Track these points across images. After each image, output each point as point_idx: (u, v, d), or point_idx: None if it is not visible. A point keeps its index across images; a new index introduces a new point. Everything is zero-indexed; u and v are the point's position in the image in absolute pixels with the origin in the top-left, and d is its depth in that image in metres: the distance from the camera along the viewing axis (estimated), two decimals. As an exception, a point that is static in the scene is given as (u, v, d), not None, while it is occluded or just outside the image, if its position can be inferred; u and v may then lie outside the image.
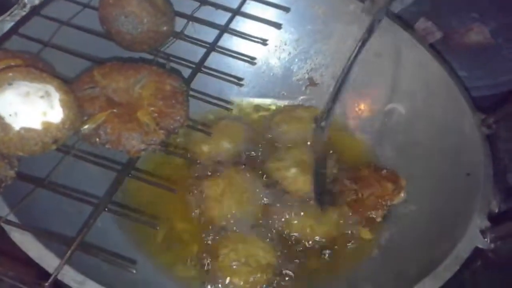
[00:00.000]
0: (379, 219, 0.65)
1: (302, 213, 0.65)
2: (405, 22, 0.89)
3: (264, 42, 0.64)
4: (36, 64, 0.50)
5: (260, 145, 0.74)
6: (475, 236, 0.50)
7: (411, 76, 0.71)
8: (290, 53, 0.81)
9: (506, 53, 0.91)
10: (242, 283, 0.58)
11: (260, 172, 0.70)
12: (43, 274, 0.40)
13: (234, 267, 0.59)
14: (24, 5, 0.72)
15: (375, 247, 0.64)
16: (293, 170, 0.69)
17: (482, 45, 0.94)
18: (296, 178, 0.68)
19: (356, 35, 0.75)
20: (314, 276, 0.62)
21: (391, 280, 0.53)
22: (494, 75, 0.88)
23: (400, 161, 0.71)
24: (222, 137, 0.72)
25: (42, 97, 0.42)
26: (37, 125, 0.41)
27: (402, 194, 0.66)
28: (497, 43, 0.92)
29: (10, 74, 0.43)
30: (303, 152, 0.71)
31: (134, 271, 0.40)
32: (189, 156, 0.69)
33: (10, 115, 0.41)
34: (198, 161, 0.70)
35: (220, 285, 0.59)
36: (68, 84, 0.46)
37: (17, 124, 0.41)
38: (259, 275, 0.59)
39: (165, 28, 0.56)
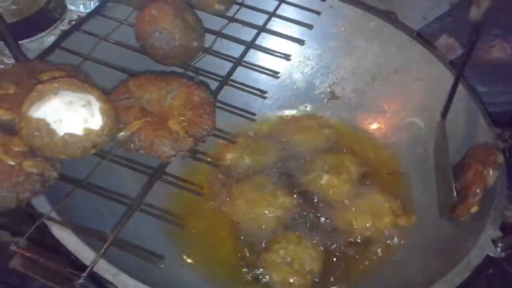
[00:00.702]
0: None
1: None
2: (427, 38, 0.93)
3: (287, 57, 0.67)
4: (77, 76, 0.55)
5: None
6: (486, 244, 0.52)
7: (430, 91, 0.74)
8: (312, 67, 0.84)
9: (528, 70, 0.92)
10: (278, 280, 0.62)
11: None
12: (80, 267, 0.45)
13: (279, 262, 0.63)
14: (63, 20, 0.78)
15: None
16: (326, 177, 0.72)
17: (504, 62, 0.95)
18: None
19: (377, 51, 0.79)
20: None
21: (401, 285, 0.55)
22: (515, 90, 0.89)
23: (418, 174, 0.73)
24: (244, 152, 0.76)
25: (84, 105, 0.46)
26: (79, 131, 0.45)
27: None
28: (518, 60, 0.94)
29: (56, 84, 0.47)
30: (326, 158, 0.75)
31: (163, 266, 0.43)
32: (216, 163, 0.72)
33: (55, 121, 0.45)
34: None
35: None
36: (106, 94, 0.50)
37: (61, 130, 0.45)
38: (297, 278, 0.62)
39: (195, 44, 0.60)
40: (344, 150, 0.78)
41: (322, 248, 0.66)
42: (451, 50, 0.99)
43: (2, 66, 0.84)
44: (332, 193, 0.71)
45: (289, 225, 0.68)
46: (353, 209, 0.69)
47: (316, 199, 0.72)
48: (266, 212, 0.68)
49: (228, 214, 0.69)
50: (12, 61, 0.79)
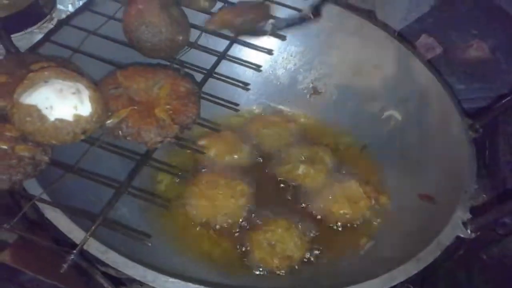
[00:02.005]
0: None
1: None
2: (407, 37, 0.96)
3: (269, 51, 0.69)
4: (68, 67, 0.57)
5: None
6: (456, 226, 0.55)
7: (407, 85, 0.77)
8: (295, 63, 0.87)
9: (505, 67, 0.95)
10: (258, 258, 0.65)
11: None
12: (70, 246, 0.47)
13: (263, 242, 0.66)
14: (52, 19, 0.80)
15: (364, 236, 0.69)
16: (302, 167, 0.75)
17: (481, 60, 0.99)
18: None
19: (357, 48, 0.82)
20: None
21: (376, 266, 0.57)
22: (491, 87, 0.92)
23: (394, 164, 0.76)
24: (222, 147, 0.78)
25: (73, 93, 0.48)
26: (69, 117, 0.47)
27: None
28: (495, 58, 0.97)
29: (46, 73, 0.49)
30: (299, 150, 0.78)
31: (150, 244, 0.45)
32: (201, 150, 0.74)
33: (46, 108, 0.47)
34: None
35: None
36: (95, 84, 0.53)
37: (52, 116, 0.47)
38: (276, 261, 0.65)
39: (180, 37, 0.63)
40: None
41: (307, 239, 0.68)
42: (430, 49, 1.02)
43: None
44: (309, 182, 0.74)
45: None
46: (330, 196, 0.72)
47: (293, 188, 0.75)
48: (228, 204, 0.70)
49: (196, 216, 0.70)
50: (2, 52, 0.81)
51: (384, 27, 0.82)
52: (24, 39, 0.75)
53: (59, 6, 0.83)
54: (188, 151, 0.72)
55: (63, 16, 0.83)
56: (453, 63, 0.99)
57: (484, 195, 0.75)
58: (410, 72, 0.77)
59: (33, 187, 0.50)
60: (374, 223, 0.70)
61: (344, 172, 0.77)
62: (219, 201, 0.68)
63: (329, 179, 0.75)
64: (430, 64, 0.76)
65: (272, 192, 0.75)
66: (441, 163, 0.68)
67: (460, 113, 0.69)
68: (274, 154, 0.80)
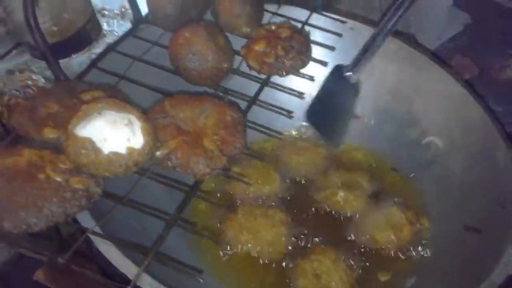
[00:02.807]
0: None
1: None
2: (442, 58, 0.95)
3: (311, 78, 0.69)
4: (115, 95, 0.58)
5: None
6: (509, 264, 0.54)
7: (448, 111, 0.75)
8: (334, 87, 0.87)
9: (543, 89, 0.94)
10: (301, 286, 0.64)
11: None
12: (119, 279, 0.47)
13: (309, 271, 0.65)
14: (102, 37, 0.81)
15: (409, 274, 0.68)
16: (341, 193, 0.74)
17: (518, 81, 0.98)
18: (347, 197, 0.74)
19: (396, 71, 0.82)
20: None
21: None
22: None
23: (437, 192, 0.75)
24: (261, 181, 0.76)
25: (126, 125, 0.49)
26: (122, 149, 0.48)
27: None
28: (533, 79, 0.96)
29: (99, 104, 0.50)
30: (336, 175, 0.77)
31: (201, 280, 0.45)
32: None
33: (100, 140, 0.47)
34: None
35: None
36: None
37: (106, 148, 0.47)
38: None
39: (225, 65, 0.63)
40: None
41: (355, 274, 0.67)
42: (466, 70, 1.01)
43: (30, 82, 0.87)
44: (349, 208, 0.74)
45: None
46: (373, 224, 0.71)
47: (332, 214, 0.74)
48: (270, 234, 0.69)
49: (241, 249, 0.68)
50: (39, 77, 0.83)
51: (425, 51, 0.81)
52: (71, 65, 0.77)
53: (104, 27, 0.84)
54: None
55: (111, 40, 0.85)
56: (490, 84, 0.98)
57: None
58: (452, 97, 0.75)
59: (85, 219, 0.50)
60: (417, 256, 0.69)
61: (383, 197, 0.76)
62: (260, 233, 0.67)
63: (369, 205, 0.74)
64: (472, 89, 0.75)
65: (311, 219, 0.74)
66: (487, 193, 0.66)
67: (505, 140, 0.67)
68: (309, 180, 0.79)
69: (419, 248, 0.70)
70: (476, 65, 1.01)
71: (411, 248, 0.69)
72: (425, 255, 0.69)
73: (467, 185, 0.70)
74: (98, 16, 0.82)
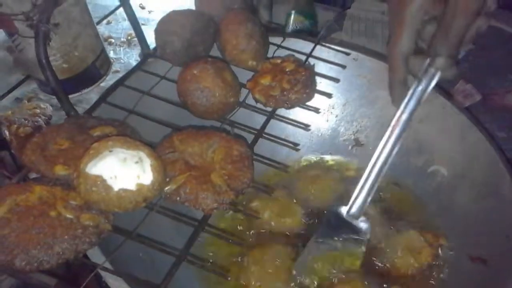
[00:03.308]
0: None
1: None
2: (443, 83, 0.96)
3: (316, 110, 0.70)
4: (124, 130, 0.59)
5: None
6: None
7: (453, 141, 0.76)
8: (337, 115, 0.88)
9: (546, 116, 0.95)
10: None
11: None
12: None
13: None
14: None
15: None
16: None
17: (521, 107, 0.98)
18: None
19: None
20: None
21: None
22: (533, 136, 0.91)
23: (442, 222, 0.75)
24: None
25: (136, 162, 0.50)
26: (132, 186, 0.49)
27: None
28: (535, 105, 0.97)
29: (110, 142, 0.51)
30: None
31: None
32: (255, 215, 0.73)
33: (111, 177, 0.48)
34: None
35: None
36: (153, 149, 0.54)
37: (116, 185, 0.48)
38: None
39: (232, 99, 0.64)
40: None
41: None
42: (468, 96, 1.02)
43: (38, 110, 0.89)
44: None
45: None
46: (392, 249, 0.71)
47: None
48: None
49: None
50: (47, 105, 0.85)
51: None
52: (81, 100, 0.78)
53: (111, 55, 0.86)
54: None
55: (114, 61, 0.86)
56: (493, 110, 0.99)
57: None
58: (456, 127, 0.76)
59: (95, 254, 0.50)
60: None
61: (398, 221, 0.76)
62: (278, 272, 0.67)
63: (386, 230, 0.74)
64: (477, 119, 0.76)
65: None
66: (492, 224, 0.66)
67: (510, 172, 0.68)
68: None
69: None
70: (478, 91, 1.02)
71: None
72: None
73: (472, 215, 0.70)
74: (105, 44, 0.84)
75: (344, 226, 0.65)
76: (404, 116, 0.62)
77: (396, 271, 0.70)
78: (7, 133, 0.84)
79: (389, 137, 0.62)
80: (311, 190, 0.80)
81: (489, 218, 0.68)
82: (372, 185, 0.62)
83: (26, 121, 0.86)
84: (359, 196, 0.63)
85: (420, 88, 0.60)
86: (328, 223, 0.66)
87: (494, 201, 0.68)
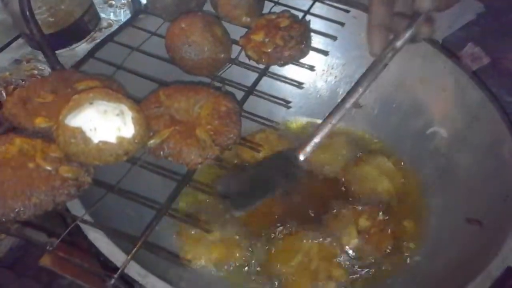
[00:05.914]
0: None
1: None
2: (452, 47, 0.93)
3: (311, 68, 0.68)
4: (111, 85, 0.58)
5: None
6: (507, 255, 0.52)
7: (454, 101, 0.74)
8: (336, 76, 0.85)
9: (556, 79, 0.92)
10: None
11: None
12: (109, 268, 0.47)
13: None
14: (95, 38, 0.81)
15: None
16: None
17: (530, 72, 0.95)
18: None
19: (400, 61, 0.80)
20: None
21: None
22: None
23: (440, 184, 0.74)
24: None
25: (117, 115, 0.49)
26: (112, 139, 0.48)
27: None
28: (546, 69, 0.94)
29: (91, 94, 0.50)
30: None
31: (192, 268, 0.45)
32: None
33: (90, 129, 0.47)
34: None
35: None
36: (137, 103, 0.53)
37: (95, 137, 0.47)
38: None
39: (222, 55, 0.62)
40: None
41: None
42: (476, 59, 0.98)
43: (36, 72, 0.88)
44: None
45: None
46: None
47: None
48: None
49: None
50: (45, 67, 0.84)
51: (430, 40, 0.79)
52: (68, 55, 0.77)
53: (101, 15, 0.84)
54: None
55: (105, 24, 0.85)
56: (502, 74, 0.96)
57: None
58: (458, 88, 0.73)
59: (76, 207, 0.50)
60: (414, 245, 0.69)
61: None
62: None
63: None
64: (481, 81, 0.73)
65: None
66: (491, 187, 0.64)
67: (510, 131, 0.65)
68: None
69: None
70: (488, 55, 0.99)
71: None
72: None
73: (471, 177, 0.69)
74: (105, 6, 0.83)
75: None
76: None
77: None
78: (4, 94, 0.84)
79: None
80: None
81: (487, 180, 0.66)
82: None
83: (23, 82, 0.86)
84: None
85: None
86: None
87: (494, 163, 0.66)
